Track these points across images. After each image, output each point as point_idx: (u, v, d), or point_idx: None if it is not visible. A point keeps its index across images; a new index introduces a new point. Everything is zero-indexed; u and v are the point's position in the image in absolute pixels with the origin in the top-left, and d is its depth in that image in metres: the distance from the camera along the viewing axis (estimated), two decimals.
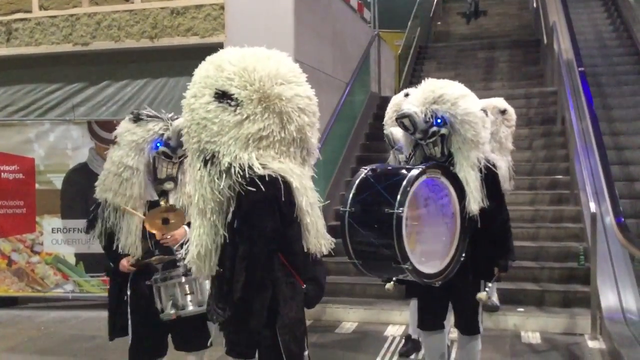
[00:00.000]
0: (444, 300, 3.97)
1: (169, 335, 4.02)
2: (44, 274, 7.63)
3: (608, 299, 6.06)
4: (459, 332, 4.02)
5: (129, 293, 3.95)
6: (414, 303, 5.51)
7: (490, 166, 3.79)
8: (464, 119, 3.73)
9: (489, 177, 3.77)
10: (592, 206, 6.23)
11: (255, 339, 2.43)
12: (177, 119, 3.92)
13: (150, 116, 3.98)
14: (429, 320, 4.05)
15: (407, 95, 5.86)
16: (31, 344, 6.23)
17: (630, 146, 9.02)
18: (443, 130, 3.77)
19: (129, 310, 3.94)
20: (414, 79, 13.71)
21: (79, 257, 7.57)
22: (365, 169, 3.72)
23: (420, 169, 3.57)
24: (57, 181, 7.66)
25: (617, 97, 10.42)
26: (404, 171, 3.56)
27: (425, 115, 3.78)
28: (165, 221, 3.80)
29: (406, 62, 13.94)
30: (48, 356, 5.85)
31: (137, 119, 3.97)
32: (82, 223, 7.34)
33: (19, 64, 9.02)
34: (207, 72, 2.56)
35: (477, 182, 3.70)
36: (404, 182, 3.43)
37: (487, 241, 3.76)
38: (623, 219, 5.69)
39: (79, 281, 7.57)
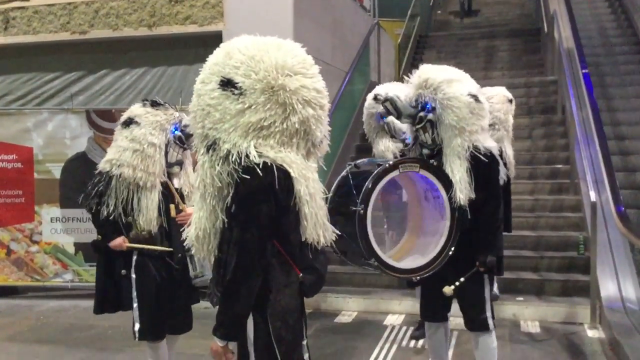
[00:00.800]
0: (444, 294, 3.93)
1: None
2: (43, 264, 7.63)
3: (608, 288, 6.06)
4: (467, 329, 3.97)
5: (134, 276, 4.04)
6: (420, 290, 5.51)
7: (480, 155, 3.63)
8: (444, 104, 3.64)
9: (478, 166, 3.62)
10: (592, 195, 6.22)
11: (241, 322, 2.47)
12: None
13: (169, 104, 4.17)
14: (430, 312, 4.03)
15: (375, 97, 5.89)
16: (30, 333, 6.24)
17: (631, 136, 8.98)
18: (430, 116, 3.70)
19: (134, 294, 4.03)
20: (413, 68, 13.56)
21: (78, 246, 7.57)
22: (350, 164, 3.73)
23: (389, 164, 3.54)
24: (56, 170, 7.64)
25: (618, 87, 10.36)
26: (376, 167, 3.54)
27: (412, 100, 3.76)
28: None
29: (406, 51, 13.87)
30: (47, 345, 5.85)
31: (156, 103, 4.11)
32: (81, 212, 7.42)
33: (16, 53, 8.99)
34: (217, 59, 2.58)
35: (463, 173, 3.59)
36: (368, 180, 3.44)
37: (472, 232, 3.67)
38: (623, 208, 5.68)
39: (78, 270, 7.57)
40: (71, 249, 7.61)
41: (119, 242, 4.02)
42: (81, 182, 7.13)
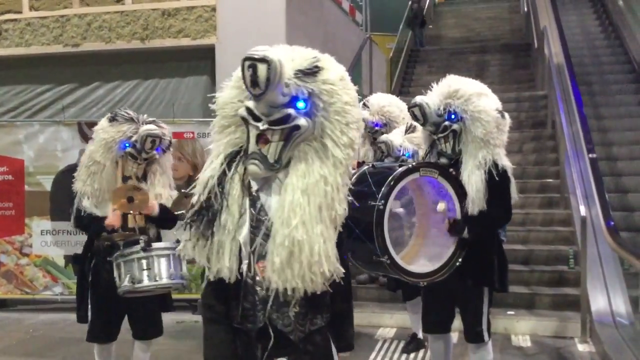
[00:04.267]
0: (447, 305, 3.95)
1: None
2: (33, 276, 7.58)
3: (598, 302, 6.08)
4: (465, 340, 3.99)
5: (89, 279, 4.18)
6: (413, 303, 5.52)
7: (495, 171, 3.70)
8: (474, 116, 3.72)
9: (492, 181, 3.69)
10: (582, 210, 6.25)
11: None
12: (150, 122, 4.22)
13: (126, 118, 4.23)
14: (431, 324, 4.05)
15: (364, 105, 6.13)
16: (20, 347, 6.18)
17: (623, 157, 9.01)
18: (455, 126, 3.77)
19: (89, 294, 4.20)
20: (405, 82, 13.74)
21: (69, 259, 7.52)
22: (368, 165, 3.81)
23: (412, 165, 3.62)
24: (47, 183, 7.61)
25: (609, 106, 10.43)
26: (397, 167, 3.62)
27: (439, 109, 3.80)
28: (130, 199, 4.08)
29: (398, 66, 13.96)
30: (36, 359, 5.80)
31: (112, 119, 4.24)
32: (71, 225, 7.37)
33: (8, 65, 8.99)
34: None
35: (481, 184, 3.66)
36: (390, 177, 3.49)
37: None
38: (613, 223, 5.72)
39: (68, 283, 7.52)
40: (61, 262, 7.56)
41: (112, 218, 4.08)
42: (72, 195, 7.15)
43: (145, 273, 3.95)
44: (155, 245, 4.04)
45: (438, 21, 18.04)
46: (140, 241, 3.99)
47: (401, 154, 5.05)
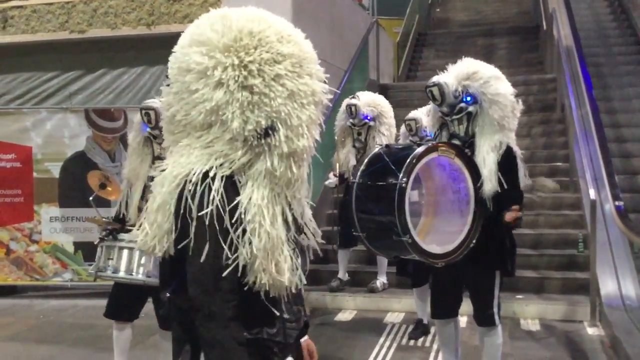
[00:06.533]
0: (456, 289, 3.94)
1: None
2: (42, 263, 7.62)
3: (607, 286, 6.06)
4: (476, 324, 3.99)
5: None
6: (420, 290, 5.53)
7: (509, 154, 3.73)
8: (493, 99, 3.70)
9: (505, 164, 3.71)
10: (592, 193, 6.21)
11: None
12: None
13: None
14: (440, 309, 4.03)
15: (350, 109, 6.23)
16: (30, 333, 6.23)
17: (632, 138, 8.95)
18: (470, 108, 3.75)
19: None
20: (412, 66, 13.68)
21: (78, 245, 7.56)
22: (380, 145, 3.78)
23: (431, 144, 3.59)
24: (55, 169, 7.63)
25: (618, 88, 10.34)
26: (415, 147, 3.59)
27: (456, 90, 3.77)
28: (103, 186, 4.41)
29: (405, 49, 13.88)
30: (47, 345, 5.84)
31: None
32: (80, 211, 7.43)
33: (15, 52, 8.96)
34: None
35: (494, 166, 3.65)
36: (411, 155, 3.45)
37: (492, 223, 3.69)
38: (623, 206, 5.68)
39: (78, 270, 7.56)
40: (70, 248, 7.60)
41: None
42: (80, 181, 7.20)
43: (109, 262, 3.98)
44: (122, 236, 4.01)
45: (445, 4, 17.89)
46: (107, 231, 4.06)
47: (426, 134, 5.05)
